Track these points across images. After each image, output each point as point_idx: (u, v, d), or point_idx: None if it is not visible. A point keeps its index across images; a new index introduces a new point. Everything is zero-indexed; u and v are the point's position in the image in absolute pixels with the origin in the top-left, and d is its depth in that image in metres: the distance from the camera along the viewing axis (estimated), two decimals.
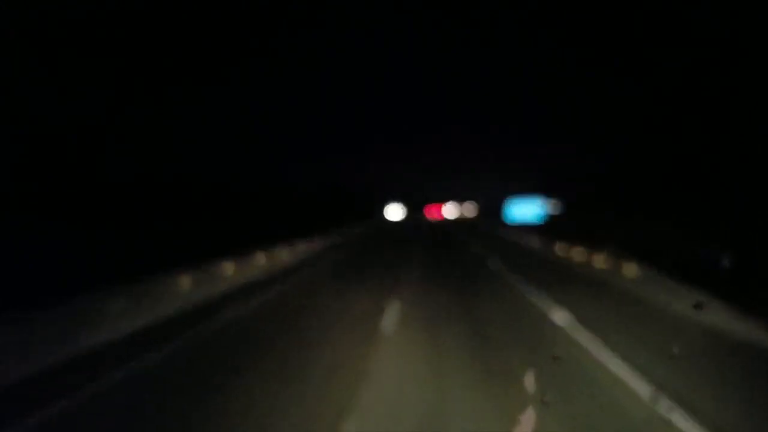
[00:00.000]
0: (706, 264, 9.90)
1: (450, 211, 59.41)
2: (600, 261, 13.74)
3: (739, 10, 22.29)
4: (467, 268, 15.43)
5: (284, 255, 14.66)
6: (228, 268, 10.83)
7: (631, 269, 11.42)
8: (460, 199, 61.45)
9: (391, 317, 7.84)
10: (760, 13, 21.58)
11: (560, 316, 7.86)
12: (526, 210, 26.82)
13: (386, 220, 51.31)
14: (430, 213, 59.02)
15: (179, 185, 27.00)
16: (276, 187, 41.42)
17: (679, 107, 27.42)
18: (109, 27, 22.52)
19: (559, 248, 18.32)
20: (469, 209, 61.82)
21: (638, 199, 26.52)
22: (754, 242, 14.07)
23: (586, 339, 6.66)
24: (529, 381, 4.36)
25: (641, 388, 4.90)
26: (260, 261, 12.56)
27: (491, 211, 61.59)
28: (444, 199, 59.62)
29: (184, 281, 9.00)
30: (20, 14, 16.66)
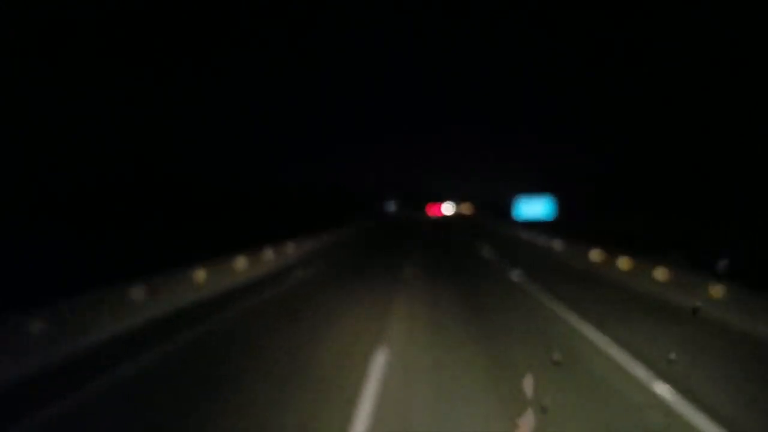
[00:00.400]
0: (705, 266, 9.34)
1: (447, 209, 72.21)
2: (661, 274, 9.67)
3: (739, 10, 22.28)
4: (481, 286, 10.91)
5: (243, 266, 11.57)
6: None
7: (715, 290, 7.83)
8: (458, 198, 74.43)
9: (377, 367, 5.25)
10: (760, 13, 21.57)
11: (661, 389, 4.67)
12: (535, 208, 26.38)
13: (384, 217, 60.07)
14: (431, 210, 70.74)
15: (174, 185, 27.03)
16: (275, 188, 41.45)
17: (679, 107, 27.39)
18: (110, 27, 22.54)
19: (596, 255, 13.44)
20: (467, 207, 73.54)
21: (639, 199, 26.34)
22: (755, 243, 13.99)
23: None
24: None
25: None
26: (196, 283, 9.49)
27: (495, 210, 63.28)
28: (443, 198, 72.22)
29: None
30: (20, 14, 16.68)
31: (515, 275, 11.96)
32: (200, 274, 9.37)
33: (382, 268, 13.53)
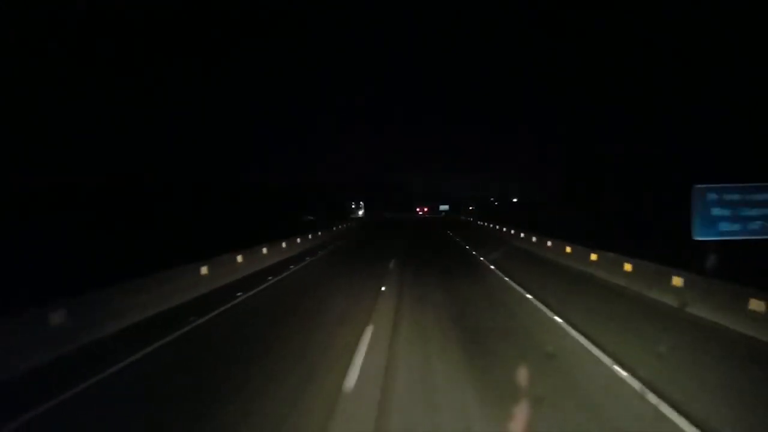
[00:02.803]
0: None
1: (432, 211, 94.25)
2: None
3: (739, 10, 22.20)
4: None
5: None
6: None
7: None
8: (448, 201, 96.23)
9: None
10: (760, 13, 21.52)
11: None
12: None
13: (372, 219, 63.54)
14: (419, 211, 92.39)
15: (174, 185, 26.88)
16: (273, 190, 41.31)
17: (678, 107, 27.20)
18: (110, 27, 22.49)
19: None
20: (458, 208, 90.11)
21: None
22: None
23: None
24: None
25: None
26: None
27: (487, 212, 59.80)
28: (436, 202, 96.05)
29: None
30: (20, 14, 16.72)
31: None
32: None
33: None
